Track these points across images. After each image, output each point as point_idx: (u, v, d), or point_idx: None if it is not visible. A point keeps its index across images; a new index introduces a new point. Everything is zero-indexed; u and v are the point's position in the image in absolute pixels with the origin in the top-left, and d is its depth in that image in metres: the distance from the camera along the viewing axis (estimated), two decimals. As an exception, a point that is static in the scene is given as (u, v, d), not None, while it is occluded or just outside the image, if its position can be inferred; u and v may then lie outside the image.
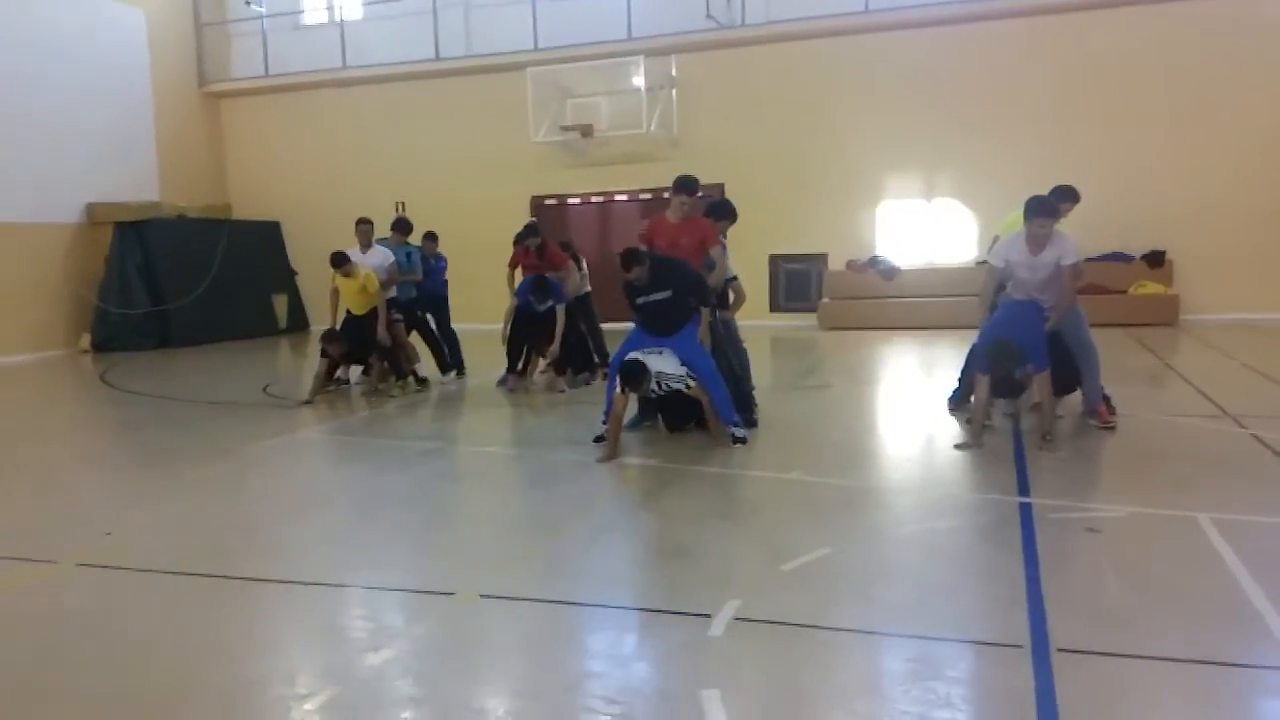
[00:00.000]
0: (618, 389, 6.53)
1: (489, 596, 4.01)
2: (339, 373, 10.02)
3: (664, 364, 6.56)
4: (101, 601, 4.19)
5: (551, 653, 3.52)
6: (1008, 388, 6.55)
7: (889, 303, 15.01)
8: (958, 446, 6.42)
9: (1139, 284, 13.92)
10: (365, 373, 10.02)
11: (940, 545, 4.52)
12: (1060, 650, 3.25)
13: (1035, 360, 6.17)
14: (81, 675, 3.44)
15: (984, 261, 14.01)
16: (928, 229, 15.31)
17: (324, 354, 9.47)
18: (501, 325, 9.85)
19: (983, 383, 6.33)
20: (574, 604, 3.92)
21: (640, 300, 6.84)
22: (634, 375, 6.40)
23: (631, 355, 6.59)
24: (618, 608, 3.86)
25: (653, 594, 4.02)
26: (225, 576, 4.41)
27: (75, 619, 3.99)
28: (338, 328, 9.59)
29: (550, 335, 9.54)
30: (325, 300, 10.15)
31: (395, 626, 3.80)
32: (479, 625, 3.79)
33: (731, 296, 7.77)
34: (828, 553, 4.36)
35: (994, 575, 4.04)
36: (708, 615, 3.64)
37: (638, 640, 3.59)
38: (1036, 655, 3.23)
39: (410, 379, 9.93)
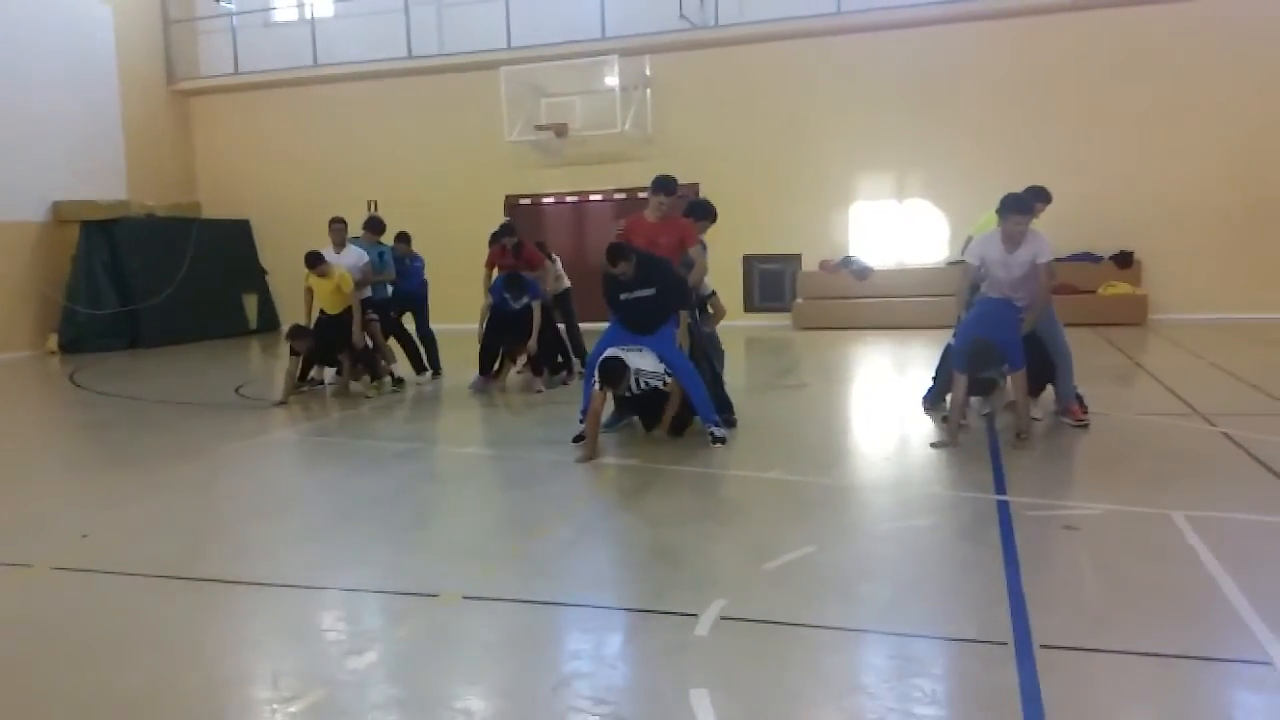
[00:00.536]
0: (596, 386, 6.53)
1: (472, 598, 4.00)
2: (313, 373, 9.95)
3: (643, 361, 6.56)
4: (80, 604, 4.13)
5: (537, 653, 3.52)
6: (980, 386, 6.63)
7: (862, 303, 15.10)
8: (934, 445, 6.47)
9: (1108, 284, 14.08)
10: (338, 373, 9.95)
11: (920, 543, 4.57)
12: (1043, 647, 3.29)
13: (1011, 360, 6.24)
14: (61, 679, 3.39)
15: (957, 262, 14.20)
16: (900, 230, 15.42)
17: (293, 351, 9.38)
18: (478, 325, 9.81)
19: (960, 381, 6.39)
20: (558, 604, 3.92)
21: (623, 296, 6.81)
22: (613, 372, 6.40)
23: (610, 352, 6.59)
24: (603, 608, 3.86)
25: (637, 594, 4.01)
26: (204, 579, 4.36)
27: (53, 622, 3.94)
28: (310, 327, 9.53)
29: (527, 332, 9.51)
30: (295, 300, 10.08)
31: (378, 628, 3.78)
32: (463, 626, 3.77)
33: (710, 310, 7.79)
34: (810, 551, 4.38)
35: (975, 573, 4.08)
36: (693, 615, 3.65)
37: (624, 640, 3.59)
38: (1020, 652, 3.26)
39: (386, 380, 9.87)
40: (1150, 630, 3.44)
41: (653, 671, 3.30)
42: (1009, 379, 6.56)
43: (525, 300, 9.48)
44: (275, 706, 3.13)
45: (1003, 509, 4.94)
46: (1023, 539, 4.44)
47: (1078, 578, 4.01)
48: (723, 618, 3.63)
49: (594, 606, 3.88)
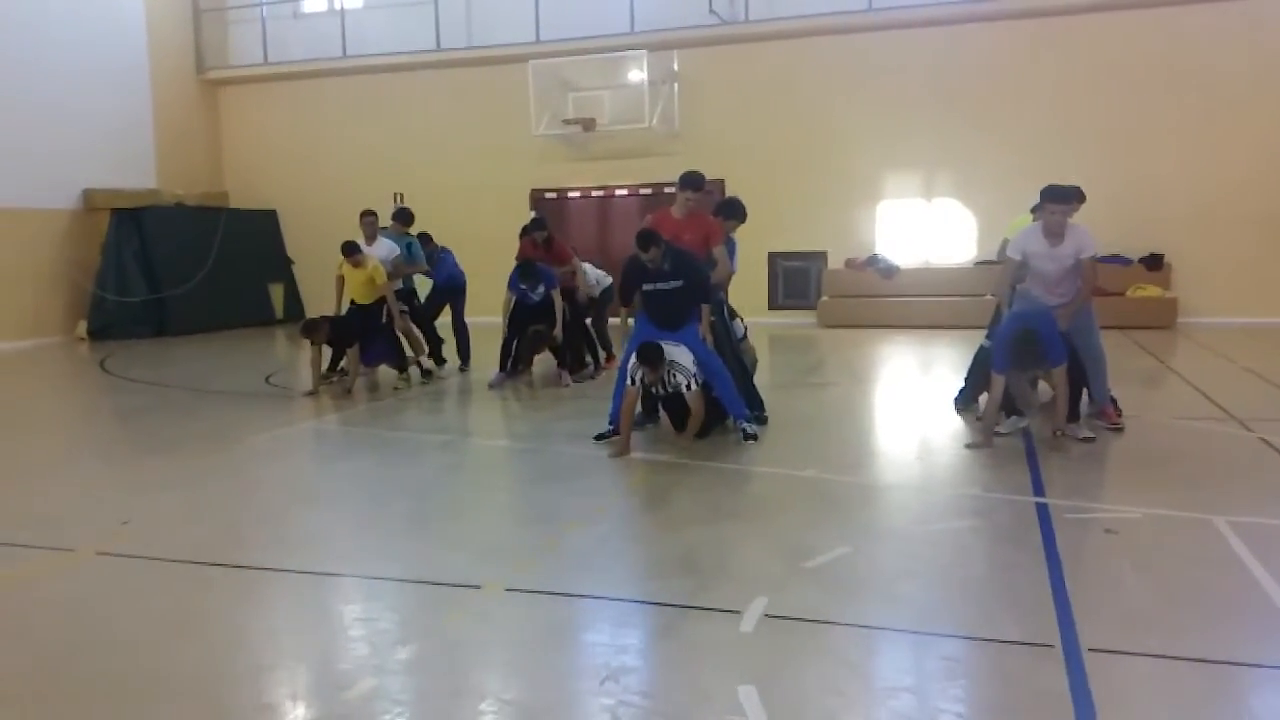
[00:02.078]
0: (629, 381, 6.50)
1: (515, 590, 4.02)
2: (342, 363, 9.97)
3: (677, 354, 6.50)
4: (125, 590, 4.18)
5: (583, 647, 3.53)
6: (1008, 406, 6.61)
7: (888, 302, 15.05)
8: (969, 446, 6.45)
9: (1137, 286, 13.98)
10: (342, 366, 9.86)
11: (961, 544, 4.55)
12: (1091, 650, 3.28)
13: (1053, 354, 6.20)
14: (110, 663, 3.43)
15: (984, 262, 14.17)
16: (927, 229, 15.36)
17: (312, 343, 9.29)
18: (502, 319, 9.78)
19: (998, 381, 6.35)
20: (601, 599, 3.94)
21: (647, 286, 6.75)
22: (652, 355, 6.33)
23: (647, 340, 6.53)
24: (645, 603, 3.87)
25: (679, 589, 4.00)
26: (247, 566, 4.40)
27: (100, 607, 3.98)
28: (343, 314, 9.54)
29: (551, 323, 9.49)
30: (320, 290, 10.09)
31: (424, 618, 3.80)
32: (507, 618, 3.79)
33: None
34: (849, 551, 4.38)
35: (1017, 575, 4.06)
36: (736, 612, 3.66)
37: (669, 636, 3.58)
38: (1068, 655, 3.25)
39: (413, 371, 9.89)
40: (1199, 636, 3.42)
41: (700, 667, 3.30)
42: (1045, 381, 6.52)
43: (543, 290, 9.46)
44: (328, 694, 3.15)
45: (1042, 511, 4.92)
46: (1064, 542, 4.42)
47: (1122, 582, 3.99)
48: (766, 615, 3.63)
49: (637, 601, 3.89)
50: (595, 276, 10.38)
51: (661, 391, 6.62)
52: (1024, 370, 6.42)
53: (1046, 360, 6.20)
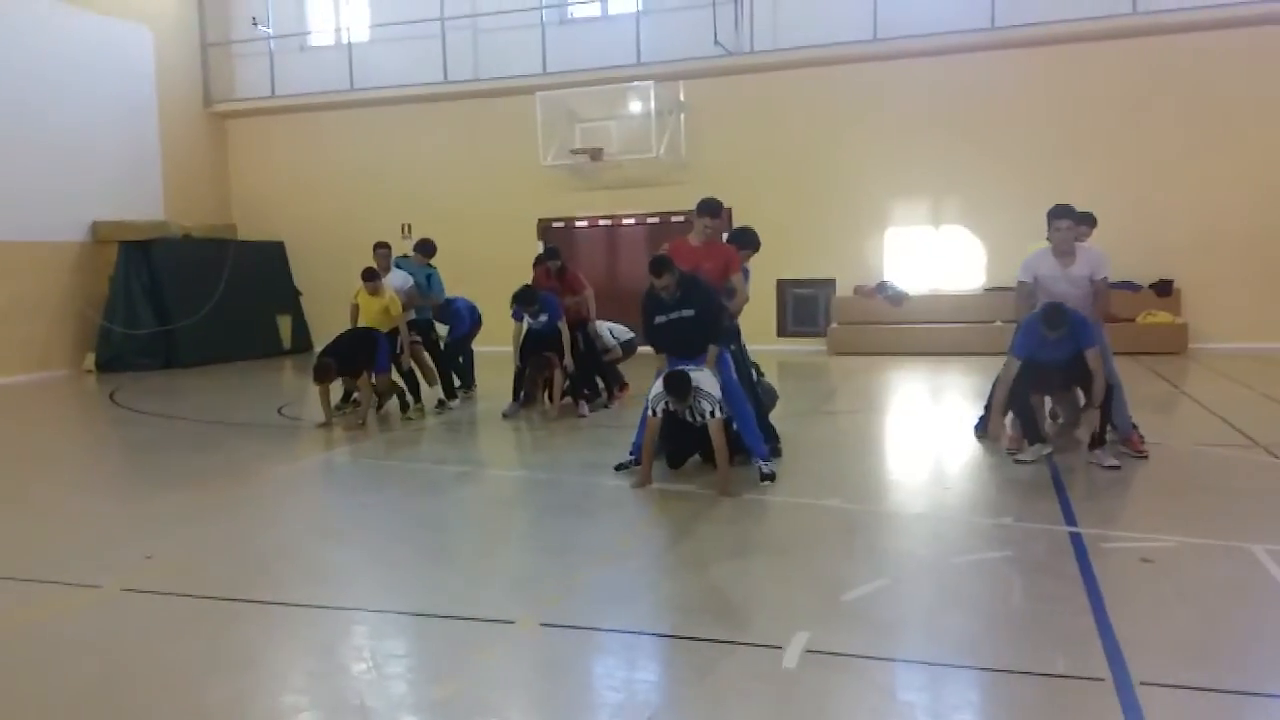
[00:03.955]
0: (650, 412, 6.42)
1: (549, 625, 3.96)
2: (356, 394, 9.92)
3: (702, 379, 6.37)
4: (154, 626, 4.12)
5: (625, 683, 3.47)
6: (1029, 425, 6.60)
7: (897, 329, 15.01)
8: (998, 443, 6.50)
9: (1147, 313, 13.95)
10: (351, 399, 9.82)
11: (999, 575, 4.50)
12: (1143, 684, 3.22)
13: (1084, 335, 6.19)
14: (142, 700, 3.38)
15: (992, 288, 14.17)
16: (936, 255, 15.36)
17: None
18: (513, 349, 9.71)
19: (1012, 363, 6.37)
20: (638, 633, 3.88)
21: (659, 319, 6.58)
22: (679, 385, 6.20)
23: (674, 369, 6.44)
24: (684, 638, 3.80)
25: (717, 624, 3.94)
26: (275, 602, 4.34)
27: (130, 643, 3.93)
28: (345, 335, 9.45)
29: (559, 350, 9.46)
30: (328, 322, 10.02)
31: (459, 655, 3.73)
32: (544, 654, 3.73)
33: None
34: (886, 583, 4.33)
35: (1059, 606, 4.00)
36: (778, 647, 3.59)
37: (711, 672, 3.51)
38: (1120, 689, 3.19)
39: (420, 403, 9.83)
40: (1252, 668, 3.37)
41: (746, 705, 3.24)
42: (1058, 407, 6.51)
43: (545, 317, 9.38)
44: (367, 735, 3.10)
45: (1076, 541, 4.86)
46: (1102, 572, 4.36)
47: (1166, 612, 3.93)
48: (808, 651, 3.56)
49: (675, 636, 3.83)
50: (615, 332, 10.29)
51: (691, 419, 6.49)
52: (1048, 361, 6.40)
53: (1075, 339, 6.20)
